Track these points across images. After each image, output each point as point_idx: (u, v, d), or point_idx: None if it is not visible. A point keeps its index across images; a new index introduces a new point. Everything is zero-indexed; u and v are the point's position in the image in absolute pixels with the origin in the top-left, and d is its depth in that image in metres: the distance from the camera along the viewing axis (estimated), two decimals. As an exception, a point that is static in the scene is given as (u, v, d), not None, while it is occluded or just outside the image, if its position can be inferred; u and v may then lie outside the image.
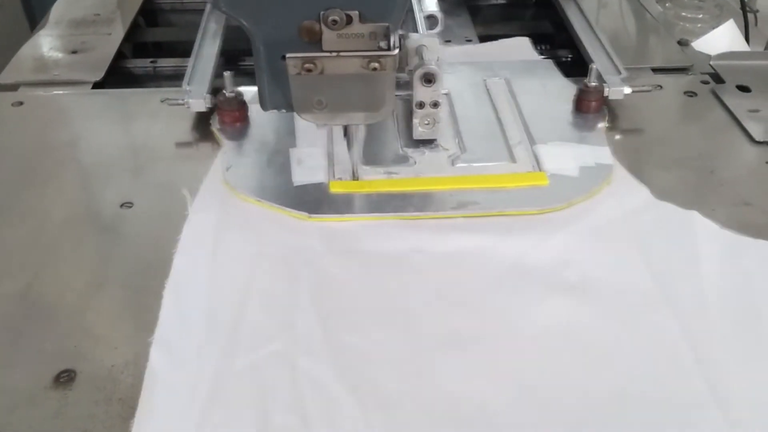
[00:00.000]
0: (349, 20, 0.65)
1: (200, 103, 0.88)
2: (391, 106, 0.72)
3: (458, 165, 0.82)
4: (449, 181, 0.80)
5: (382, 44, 0.67)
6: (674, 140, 0.88)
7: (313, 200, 0.77)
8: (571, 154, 0.83)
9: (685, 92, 0.96)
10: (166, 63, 1.08)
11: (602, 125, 0.89)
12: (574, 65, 1.08)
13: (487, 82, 0.97)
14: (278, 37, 0.67)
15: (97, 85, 0.99)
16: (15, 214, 0.77)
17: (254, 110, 0.89)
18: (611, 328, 0.65)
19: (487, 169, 0.81)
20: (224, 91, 0.87)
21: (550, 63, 1.01)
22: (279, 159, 0.83)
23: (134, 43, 1.14)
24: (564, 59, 1.10)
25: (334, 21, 0.65)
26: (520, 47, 1.08)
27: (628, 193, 0.79)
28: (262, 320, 0.65)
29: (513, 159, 0.83)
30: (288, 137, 0.86)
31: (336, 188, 0.79)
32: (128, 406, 0.58)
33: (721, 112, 0.92)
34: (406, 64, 0.78)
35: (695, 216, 0.75)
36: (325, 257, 0.72)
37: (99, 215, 0.78)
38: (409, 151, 0.84)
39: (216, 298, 0.67)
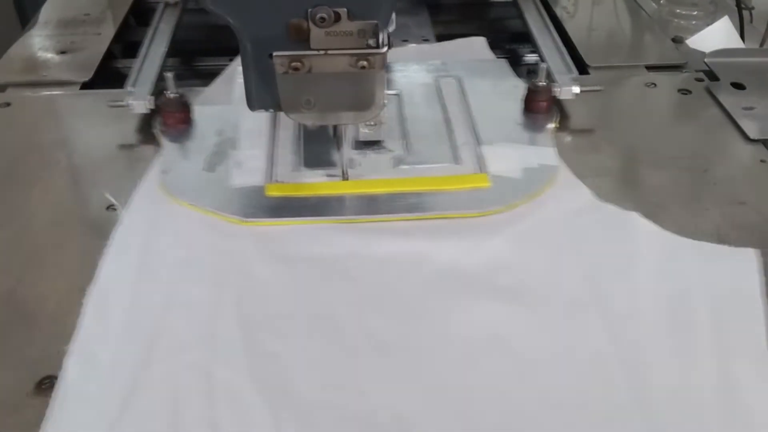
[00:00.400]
0: (338, 18, 0.64)
1: (142, 104, 0.86)
2: (381, 105, 0.71)
3: (401, 167, 0.81)
4: (389, 184, 0.78)
5: (371, 42, 0.66)
6: (667, 138, 0.87)
7: (249, 204, 0.76)
8: (515, 156, 0.82)
9: (679, 90, 0.95)
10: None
11: (551, 126, 0.87)
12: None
13: (439, 81, 0.96)
14: (265, 36, 0.66)
15: (85, 86, 0.98)
16: (0, 216, 0.76)
17: (198, 112, 0.89)
18: (539, 335, 0.64)
19: (431, 171, 0.80)
20: (166, 93, 0.86)
21: (504, 63, 1.00)
22: (219, 162, 0.82)
23: (124, 43, 1.13)
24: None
25: (322, 18, 0.64)
26: (475, 47, 1.06)
27: (570, 195, 0.78)
28: (183, 328, 0.64)
29: (457, 160, 0.82)
30: (231, 139, 0.85)
31: (272, 191, 0.77)
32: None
33: (716, 110, 0.92)
34: None
35: (635, 217, 0.74)
36: (255, 263, 0.70)
37: (84, 218, 0.77)
38: (353, 153, 0.82)
39: (139, 306, 0.66)
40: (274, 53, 0.66)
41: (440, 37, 1.11)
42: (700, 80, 0.97)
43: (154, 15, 1.07)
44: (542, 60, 0.93)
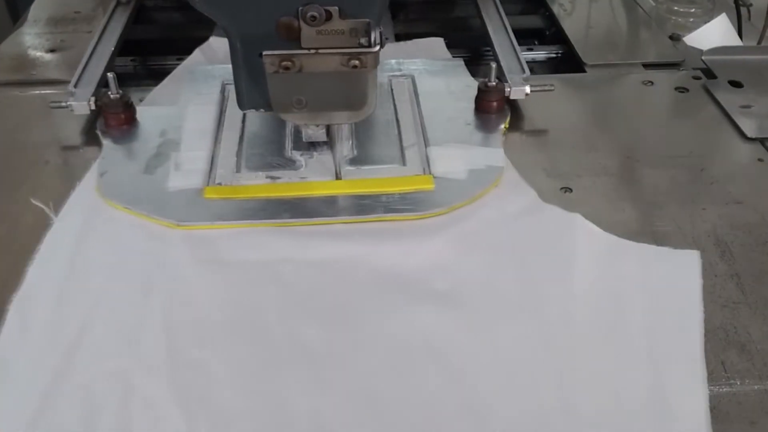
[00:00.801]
0: (329, 16, 0.63)
1: (84, 106, 0.84)
2: (374, 105, 0.70)
3: (346, 168, 0.79)
4: (331, 186, 0.77)
5: (363, 41, 0.65)
6: (664, 137, 0.86)
7: (186, 207, 0.74)
8: (462, 157, 0.80)
9: (676, 88, 0.95)
10: (148, 61, 1.06)
11: (502, 126, 0.86)
12: (564, 61, 1.07)
13: (392, 81, 0.94)
14: (255, 34, 0.65)
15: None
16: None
17: (143, 112, 0.87)
18: (470, 340, 0.63)
19: (376, 173, 0.79)
20: (108, 93, 0.84)
21: (459, 62, 0.98)
22: (159, 164, 0.80)
23: (124, 42, 1.12)
24: (555, 54, 1.09)
25: (313, 17, 0.63)
26: (433, 47, 1.05)
27: (514, 197, 0.76)
28: (106, 336, 0.62)
29: (404, 162, 0.80)
30: (173, 141, 0.83)
31: (211, 194, 0.75)
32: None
33: (713, 108, 0.91)
34: None
35: (577, 219, 0.73)
36: (187, 268, 0.69)
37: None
38: (297, 154, 0.81)
39: (63, 313, 0.64)
40: (264, 52, 0.65)
41: (400, 37, 1.09)
42: (698, 78, 0.96)
43: (106, 13, 1.06)
44: (496, 60, 0.92)
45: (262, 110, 0.71)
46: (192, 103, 0.88)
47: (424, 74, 0.95)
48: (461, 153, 0.81)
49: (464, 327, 0.64)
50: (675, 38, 1.05)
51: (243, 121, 0.86)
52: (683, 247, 0.71)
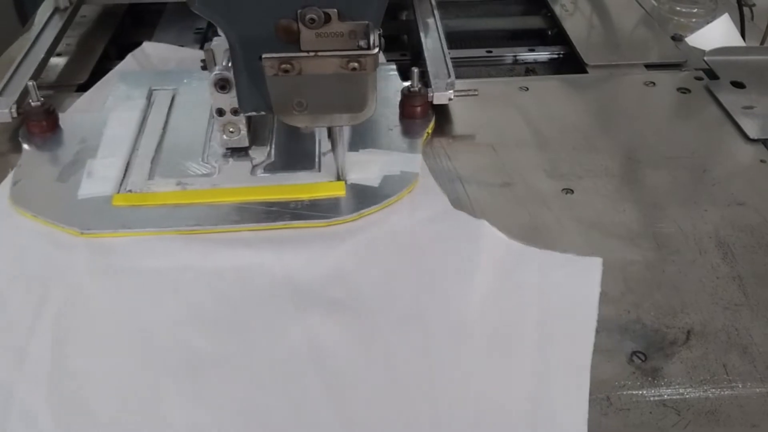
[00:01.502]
0: (328, 19, 0.63)
1: (5, 114, 0.84)
2: (374, 107, 0.70)
3: (260, 174, 0.79)
4: (241, 193, 0.76)
5: (362, 43, 0.64)
6: (666, 137, 0.86)
7: (92, 215, 0.74)
8: (378, 163, 0.80)
9: (678, 89, 0.94)
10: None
11: (425, 131, 0.85)
12: (566, 62, 1.06)
13: None
14: (254, 37, 0.65)
15: (81, 87, 0.98)
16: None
17: (66, 120, 0.87)
18: (356, 349, 0.62)
19: (289, 179, 0.78)
20: (29, 101, 0.84)
21: (391, 67, 0.96)
22: (73, 171, 0.79)
23: (120, 45, 1.12)
24: (557, 55, 1.08)
25: (312, 19, 0.63)
26: None
27: (425, 203, 0.76)
28: None
29: (319, 168, 0.80)
30: (92, 148, 0.83)
31: (119, 202, 0.75)
32: None
33: (715, 109, 0.91)
34: (214, 65, 0.75)
35: (483, 226, 0.72)
36: (84, 277, 0.68)
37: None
38: (213, 160, 0.80)
39: None
40: (264, 55, 0.64)
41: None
42: (700, 79, 0.96)
43: (44, 20, 1.04)
44: (423, 64, 0.91)
45: (262, 113, 0.71)
46: (116, 110, 0.88)
47: None
48: (377, 159, 0.80)
49: (351, 336, 0.63)
50: (677, 39, 1.05)
51: (164, 128, 0.86)
52: (685, 248, 0.71)
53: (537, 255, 0.70)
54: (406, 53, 1.10)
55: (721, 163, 0.82)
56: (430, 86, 0.87)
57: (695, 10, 1.14)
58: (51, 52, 0.98)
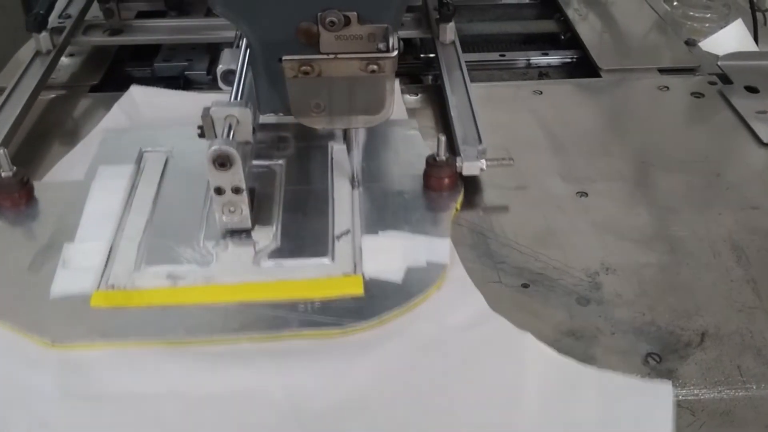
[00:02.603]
0: (347, 21, 0.64)
1: None
2: (391, 110, 0.71)
3: (264, 264, 0.68)
4: (242, 290, 0.66)
5: (381, 46, 0.65)
6: (680, 142, 0.87)
7: (66, 320, 0.63)
8: (400, 250, 0.69)
9: (692, 93, 0.95)
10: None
11: (453, 208, 0.75)
12: (579, 66, 1.07)
13: (334, 148, 0.82)
14: (275, 39, 0.66)
15: (94, 89, 0.99)
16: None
17: (42, 190, 0.76)
18: None
19: (297, 271, 0.67)
20: (0, 172, 0.74)
21: (413, 124, 0.86)
22: (47, 259, 0.69)
23: (133, 47, 1.13)
24: (570, 59, 1.09)
25: (332, 22, 0.64)
26: None
27: (456, 304, 0.65)
28: None
29: (333, 256, 0.69)
30: (70, 227, 0.72)
31: (98, 302, 0.64)
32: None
33: (729, 114, 0.91)
34: (214, 135, 0.66)
35: (528, 339, 0.62)
36: (52, 403, 0.57)
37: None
38: (210, 245, 0.70)
39: None
40: (284, 57, 0.65)
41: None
42: (713, 83, 0.96)
43: (22, 67, 0.93)
44: (450, 127, 0.83)
45: (280, 114, 0.71)
46: (100, 177, 0.77)
47: (371, 138, 0.82)
48: (400, 245, 0.70)
49: None
50: (691, 43, 1.06)
51: (155, 201, 0.75)
52: (699, 252, 0.71)
53: (595, 378, 0.59)
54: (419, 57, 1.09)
55: (734, 168, 0.82)
56: (458, 153, 0.78)
57: (708, 15, 1.14)
58: (28, 107, 0.87)
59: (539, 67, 1.09)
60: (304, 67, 0.66)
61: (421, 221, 0.73)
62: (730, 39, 1.06)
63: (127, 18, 1.07)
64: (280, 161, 0.79)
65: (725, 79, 0.97)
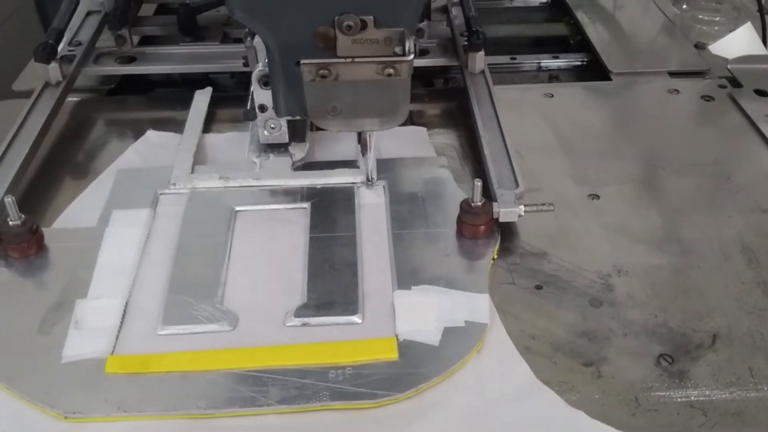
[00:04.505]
0: (364, 25, 0.64)
1: None
2: (406, 113, 0.71)
3: (291, 323, 0.64)
4: (267, 355, 0.61)
5: (397, 50, 0.66)
6: (690, 145, 0.87)
7: (80, 388, 0.58)
8: (436, 307, 0.65)
9: (702, 96, 0.95)
10: (180, 69, 1.06)
11: (489, 258, 0.71)
12: (590, 69, 1.07)
13: (360, 190, 0.79)
14: (293, 43, 0.66)
15: (111, 92, 1.00)
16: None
17: (52, 237, 0.72)
18: None
19: (325, 333, 0.63)
20: (8, 220, 0.70)
21: (441, 162, 0.83)
22: (58, 318, 0.64)
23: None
24: (580, 62, 1.09)
25: (349, 26, 0.64)
26: (414, 138, 0.88)
27: (499, 371, 0.60)
28: None
29: (360, 314, 0.65)
30: (82, 281, 0.67)
31: (113, 369, 0.59)
32: None
33: (739, 117, 0.92)
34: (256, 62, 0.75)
35: (581, 418, 0.57)
36: None
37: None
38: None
39: None
40: (302, 61, 0.66)
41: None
42: (723, 87, 0.97)
43: (30, 101, 0.87)
44: (484, 170, 0.79)
45: (297, 117, 0.72)
46: (114, 224, 0.73)
47: (400, 179, 0.80)
48: (435, 301, 0.65)
49: None
50: (700, 46, 1.06)
51: (172, 251, 0.71)
52: (710, 254, 0.72)
53: None
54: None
55: (744, 170, 0.83)
56: (494, 198, 0.74)
57: (717, 18, 1.15)
58: (37, 146, 0.82)
59: (550, 70, 1.10)
60: (321, 71, 0.66)
61: (455, 273, 0.69)
62: (739, 42, 1.06)
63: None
64: (305, 205, 0.77)
65: (735, 82, 0.97)
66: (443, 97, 1.00)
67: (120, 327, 0.63)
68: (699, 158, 0.85)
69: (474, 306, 0.65)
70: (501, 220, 0.73)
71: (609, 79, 1.01)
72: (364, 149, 0.78)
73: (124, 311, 0.65)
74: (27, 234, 0.70)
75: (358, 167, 0.79)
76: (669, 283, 0.70)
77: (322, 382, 0.59)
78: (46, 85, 0.90)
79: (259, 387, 0.59)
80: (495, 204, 0.73)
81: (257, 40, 0.74)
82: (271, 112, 0.78)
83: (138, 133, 0.89)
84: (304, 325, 0.64)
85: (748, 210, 0.77)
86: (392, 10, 0.64)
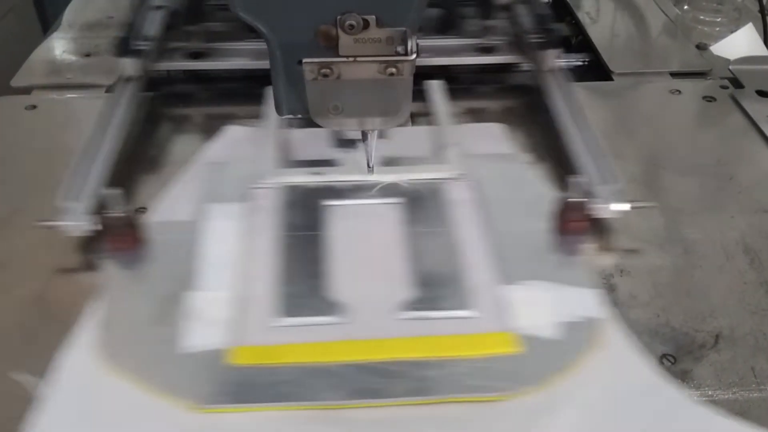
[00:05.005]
0: (366, 25, 0.64)
1: (81, 226, 0.69)
2: (408, 112, 0.71)
3: (403, 317, 0.64)
4: (387, 348, 0.61)
5: (400, 49, 0.66)
6: (692, 145, 0.87)
7: (206, 379, 0.58)
8: (548, 302, 0.65)
9: (703, 97, 0.95)
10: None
11: (592, 254, 0.72)
12: (591, 69, 1.07)
13: (448, 186, 0.78)
14: (294, 42, 0.66)
15: (111, 89, 0.99)
16: (27, 220, 0.76)
17: (153, 230, 0.72)
18: None
19: (439, 326, 0.63)
20: (111, 212, 0.69)
21: (528, 158, 0.83)
22: (171, 309, 0.64)
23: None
24: (581, 62, 1.09)
25: (351, 26, 0.64)
26: (491, 135, 0.88)
27: (622, 364, 0.60)
28: None
29: (473, 308, 0.65)
30: (190, 273, 0.67)
31: (238, 359, 0.60)
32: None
33: (740, 118, 0.91)
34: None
35: (711, 415, 0.57)
36: None
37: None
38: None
39: None
40: (304, 60, 0.66)
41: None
42: (725, 87, 0.97)
43: (108, 93, 0.90)
44: (576, 165, 0.77)
45: (299, 115, 0.72)
46: (211, 218, 0.74)
47: (486, 177, 0.79)
48: (547, 296, 0.65)
49: None
50: (701, 47, 1.06)
51: (274, 244, 0.71)
52: (713, 254, 0.72)
53: None
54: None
55: (746, 171, 0.83)
56: (593, 194, 0.73)
57: (719, 19, 1.15)
58: (121, 140, 0.81)
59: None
60: (323, 70, 0.66)
61: (560, 268, 0.69)
62: (740, 43, 1.06)
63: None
64: (396, 200, 0.77)
65: (737, 83, 0.97)
66: (500, 95, 1.00)
67: (235, 319, 0.63)
68: (701, 159, 0.85)
69: (587, 300, 0.66)
70: (601, 216, 0.72)
71: (610, 79, 1.01)
72: (367, 147, 0.77)
73: (235, 303, 0.65)
74: (130, 226, 0.71)
75: (442, 163, 0.79)
76: (672, 283, 0.70)
77: (445, 374, 0.59)
78: (120, 79, 0.91)
79: (384, 378, 0.58)
80: (595, 201, 0.72)
81: None
82: None
83: (207, 128, 0.89)
84: (417, 318, 0.64)
85: (750, 210, 0.77)
86: (394, 10, 0.64)
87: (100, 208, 0.70)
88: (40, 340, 0.63)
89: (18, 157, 0.86)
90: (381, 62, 0.66)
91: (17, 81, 0.99)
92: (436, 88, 0.93)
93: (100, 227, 0.70)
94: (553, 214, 0.73)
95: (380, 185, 0.77)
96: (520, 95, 0.98)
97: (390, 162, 0.81)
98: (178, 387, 0.58)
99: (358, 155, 0.80)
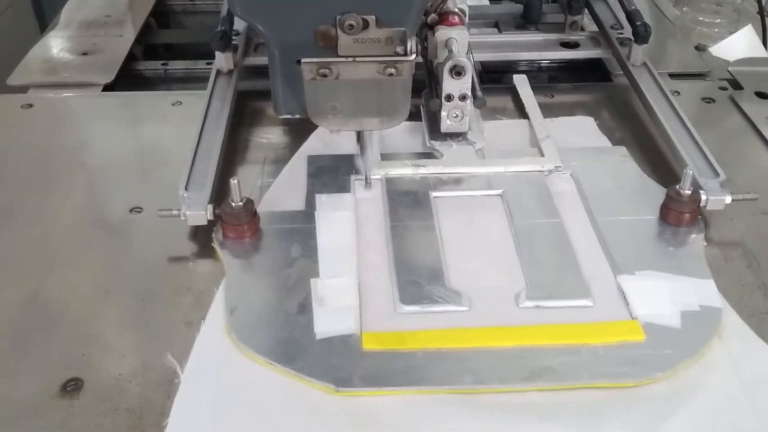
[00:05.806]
0: (366, 25, 0.64)
1: (200, 216, 0.71)
2: (406, 113, 0.71)
3: (524, 306, 0.65)
4: (516, 335, 0.62)
5: (399, 49, 0.66)
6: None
7: (342, 363, 0.59)
8: (667, 292, 0.65)
9: (702, 98, 0.95)
10: (177, 65, 1.06)
11: (701, 245, 0.72)
12: (591, 70, 1.07)
13: (549, 177, 0.79)
14: (294, 42, 0.66)
15: (107, 88, 0.99)
16: (23, 218, 0.76)
17: (265, 219, 0.73)
18: None
19: (559, 315, 0.64)
20: (230, 201, 0.70)
21: (622, 151, 0.84)
22: (296, 295, 0.65)
23: (145, 45, 1.13)
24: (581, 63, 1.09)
25: (351, 26, 0.64)
26: (582, 128, 0.89)
27: (746, 354, 0.61)
28: None
29: (590, 297, 0.65)
30: (309, 261, 0.68)
31: (370, 344, 0.61)
32: (136, 416, 0.57)
33: (739, 119, 0.91)
34: (434, 56, 0.77)
35: None
36: None
37: (107, 220, 0.77)
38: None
39: None
40: (303, 60, 0.66)
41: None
42: (724, 89, 0.97)
43: (207, 84, 0.90)
44: (683, 160, 0.78)
45: (297, 115, 0.72)
46: (322, 208, 0.74)
47: (586, 168, 0.80)
48: (665, 286, 0.66)
49: None
50: (701, 48, 1.06)
51: (388, 233, 0.72)
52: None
53: None
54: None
55: (745, 173, 0.83)
56: (700, 186, 0.74)
57: (718, 21, 1.15)
58: (226, 133, 0.83)
59: (550, 70, 1.09)
60: (322, 70, 0.66)
61: (672, 259, 0.69)
62: (739, 44, 1.06)
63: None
64: (499, 191, 0.77)
65: (736, 84, 0.97)
66: (580, 90, 1.00)
67: (360, 307, 0.64)
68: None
69: (703, 290, 0.66)
70: (708, 208, 0.73)
71: (610, 80, 1.01)
72: (362, 148, 0.77)
73: (360, 292, 0.66)
74: (249, 215, 0.71)
75: (541, 155, 0.79)
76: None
77: (577, 361, 0.59)
78: (219, 72, 0.92)
79: (516, 363, 0.59)
80: (702, 192, 0.73)
81: (439, 31, 0.78)
82: (456, 101, 0.78)
83: (289, 120, 0.86)
84: (537, 307, 0.65)
85: (748, 213, 0.77)
86: (394, 10, 0.64)
87: (217, 198, 0.72)
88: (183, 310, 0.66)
89: (13, 156, 0.85)
90: (380, 62, 0.66)
91: (13, 79, 0.98)
92: (523, 81, 0.93)
93: (219, 216, 0.71)
94: (661, 205, 0.74)
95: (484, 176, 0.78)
96: (602, 90, 0.99)
97: (486, 155, 0.81)
98: (316, 371, 0.59)
99: (458, 149, 0.81)
